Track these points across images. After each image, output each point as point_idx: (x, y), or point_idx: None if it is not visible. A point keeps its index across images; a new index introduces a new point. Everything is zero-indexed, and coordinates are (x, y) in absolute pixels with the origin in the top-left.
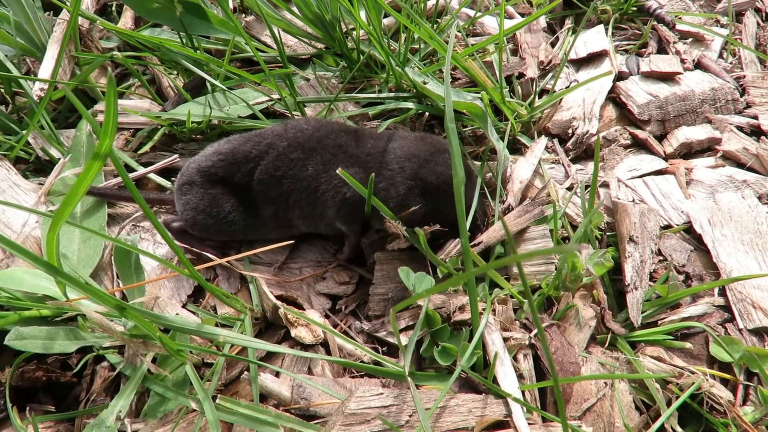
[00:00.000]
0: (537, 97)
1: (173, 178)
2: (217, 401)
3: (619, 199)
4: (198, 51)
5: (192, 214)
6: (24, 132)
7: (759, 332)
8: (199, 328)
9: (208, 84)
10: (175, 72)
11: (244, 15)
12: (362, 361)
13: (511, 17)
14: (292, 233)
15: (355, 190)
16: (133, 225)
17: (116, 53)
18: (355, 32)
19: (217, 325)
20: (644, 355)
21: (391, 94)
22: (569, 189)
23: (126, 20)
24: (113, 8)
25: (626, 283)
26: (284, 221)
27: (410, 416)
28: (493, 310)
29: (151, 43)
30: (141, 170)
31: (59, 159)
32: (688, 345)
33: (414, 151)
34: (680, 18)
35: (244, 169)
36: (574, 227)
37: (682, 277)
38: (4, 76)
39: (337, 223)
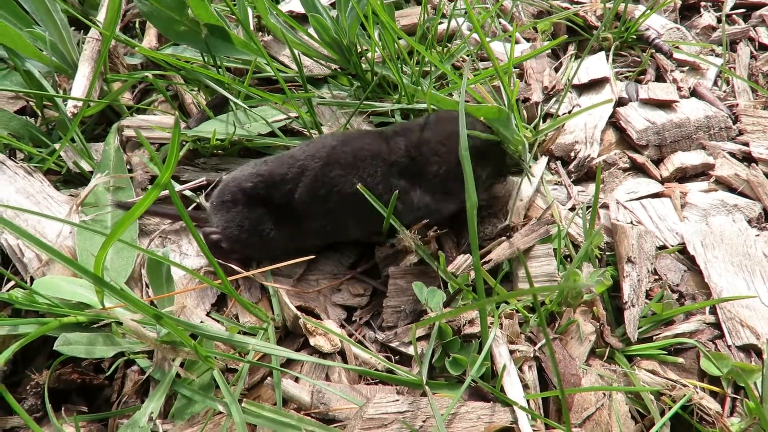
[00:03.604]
0: (541, 120)
1: (198, 192)
2: (243, 405)
3: (618, 221)
4: (221, 70)
5: (236, 232)
6: (55, 145)
7: (746, 349)
8: (229, 336)
9: (230, 102)
10: (197, 89)
11: (261, 33)
12: (377, 370)
13: (517, 42)
14: (336, 240)
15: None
16: (161, 237)
17: (148, 75)
18: (369, 54)
19: (240, 333)
20: (640, 368)
21: (401, 105)
22: (571, 210)
23: (150, 38)
24: (137, 25)
25: (624, 301)
26: (333, 234)
27: (424, 422)
28: (500, 324)
29: (177, 63)
30: (178, 187)
31: (89, 171)
32: (680, 360)
33: (446, 132)
34: (677, 47)
35: (282, 190)
36: (576, 246)
37: (676, 296)
38: (41, 95)
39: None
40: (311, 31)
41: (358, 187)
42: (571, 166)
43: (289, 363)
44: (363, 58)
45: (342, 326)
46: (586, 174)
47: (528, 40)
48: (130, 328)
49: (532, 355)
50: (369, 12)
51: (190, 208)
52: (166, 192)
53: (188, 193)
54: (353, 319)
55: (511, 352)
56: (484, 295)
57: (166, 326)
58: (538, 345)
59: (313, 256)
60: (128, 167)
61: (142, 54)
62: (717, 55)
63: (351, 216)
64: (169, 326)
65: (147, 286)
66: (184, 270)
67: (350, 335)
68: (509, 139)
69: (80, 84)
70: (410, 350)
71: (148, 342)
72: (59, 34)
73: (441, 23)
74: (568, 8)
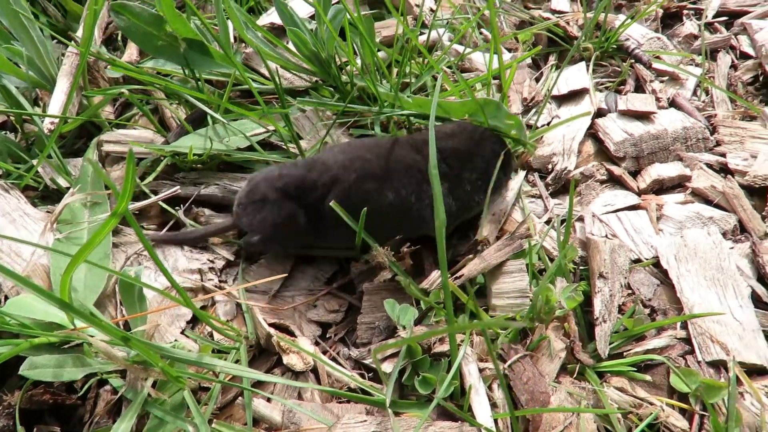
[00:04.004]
0: None
1: (177, 208)
2: (213, 425)
3: (593, 234)
4: (200, 83)
5: (271, 230)
6: (33, 161)
7: (716, 364)
8: (198, 358)
9: (208, 116)
10: (178, 102)
11: (243, 45)
12: (349, 388)
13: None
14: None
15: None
16: (137, 254)
17: (124, 91)
18: (349, 67)
19: (214, 351)
20: (609, 386)
21: (376, 114)
22: (547, 223)
23: (132, 51)
24: (119, 37)
25: (595, 317)
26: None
27: None
28: (471, 342)
29: (151, 79)
30: (150, 199)
31: (67, 187)
32: (648, 377)
33: (469, 138)
34: (658, 57)
35: (314, 195)
36: (552, 260)
37: (647, 311)
38: (18, 113)
39: (432, 233)
40: (290, 44)
41: (331, 204)
42: (548, 179)
43: (261, 381)
44: (344, 70)
45: (316, 343)
46: (563, 186)
47: (510, 50)
48: (100, 349)
49: (502, 373)
50: (346, 25)
51: (168, 226)
52: (144, 205)
53: (166, 206)
54: (328, 335)
55: (481, 370)
56: (453, 315)
57: (134, 348)
58: (508, 362)
59: (285, 275)
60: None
61: (119, 69)
62: (697, 65)
63: (379, 226)
64: (138, 348)
65: (122, 304)
66: (155, 291)
67: (324, 352)
68: (500, 126)
69: (58, 100)
70: (383, 367)
71: (119, 362)
72: (36, 49)
73: (422, 33)
74: (549, 18)
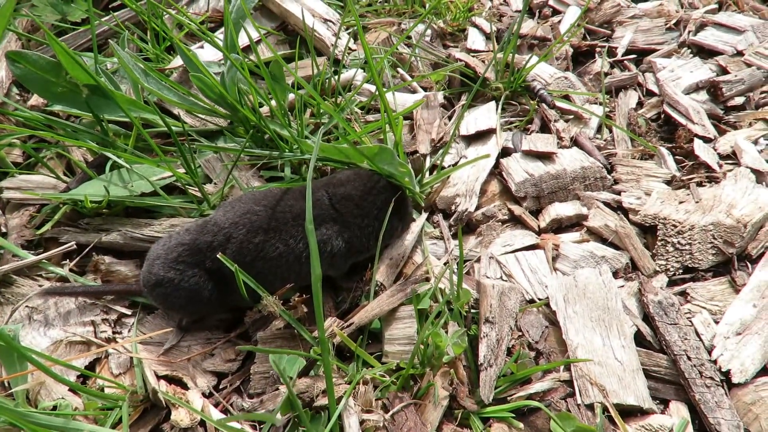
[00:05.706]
0: (428, 173)
1: (64, 262)
2: None
3: (487, 277)
4: (104, 125)
5: (183, 312)
6: None
7: (593, 407)
8: (65, 424)
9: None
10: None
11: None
12: None
13: (414, 91)
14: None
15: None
16: (26, 306)
17: (16, 141)
18: (262, 107)
19: (102, 409)
20: None
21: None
22: (446, 264)
23: None
24: None
25: (480, 363)
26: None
27: None
28: (354, 393)
29: (57, 123)
30: (31, 258)
31: None
32: (520, 425)
33: (362, 186)
34: (566, 96)
35: (211, 257)
36: (449, 303)
37: (533, 354)
38: None
39: (329, 273)
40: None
41: (218, 256)
42: (451, 220)
43: None
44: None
45: (210, 394)
46: (466, 227)
47: (425, 89)
48: None
49: (381, 424)
50: (247, 76)
51: (43, 287)
52: (32, 262)
53: (59, 270)
54: (223, 385)
55: (362, 422)
56: (330, 370)
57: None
58: (390, 413)
59: (171, 329)
60: (4, 230)
61: (28, 109)
62: (600, 104)
63: (276, 276)
64: (4, 414)
65: None
66: (28, 359)
67: (217, 404)
68: (394, 173)
69: None
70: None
71: None
72: None
73: (336, 74)
74: (462, 60)
